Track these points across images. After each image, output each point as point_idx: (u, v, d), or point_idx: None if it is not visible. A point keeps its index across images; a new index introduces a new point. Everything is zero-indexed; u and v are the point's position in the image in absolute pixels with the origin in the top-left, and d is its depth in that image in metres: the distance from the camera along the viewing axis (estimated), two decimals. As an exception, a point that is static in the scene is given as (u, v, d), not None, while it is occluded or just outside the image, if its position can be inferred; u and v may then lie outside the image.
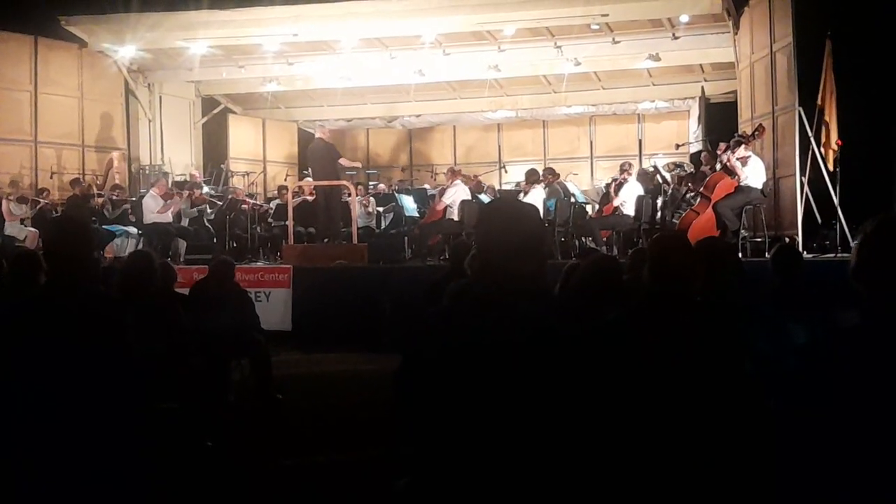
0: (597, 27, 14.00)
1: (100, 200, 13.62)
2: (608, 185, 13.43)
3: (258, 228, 14.36)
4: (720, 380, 3.00)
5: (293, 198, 13.72)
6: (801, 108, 11.59)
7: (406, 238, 13.73)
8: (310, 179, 14.43)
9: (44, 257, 3.47)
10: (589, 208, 13.80)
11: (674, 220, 11.81)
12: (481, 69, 15.72)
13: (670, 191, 12.81)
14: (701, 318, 3.16)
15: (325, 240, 13.30)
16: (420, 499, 2.36)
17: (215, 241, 14.01)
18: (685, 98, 17.16)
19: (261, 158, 18.77)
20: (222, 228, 14.07)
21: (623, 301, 3.65)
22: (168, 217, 13.17)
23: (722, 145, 12.03)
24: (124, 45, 14.98)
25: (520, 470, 2.23)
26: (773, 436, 2.86)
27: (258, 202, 15.34)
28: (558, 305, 2.66)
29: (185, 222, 13.72)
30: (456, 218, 12.49)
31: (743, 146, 10.97)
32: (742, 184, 10.80)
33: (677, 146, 15.33)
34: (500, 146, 19.15)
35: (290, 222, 12.95)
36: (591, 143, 18.55)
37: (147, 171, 16.12)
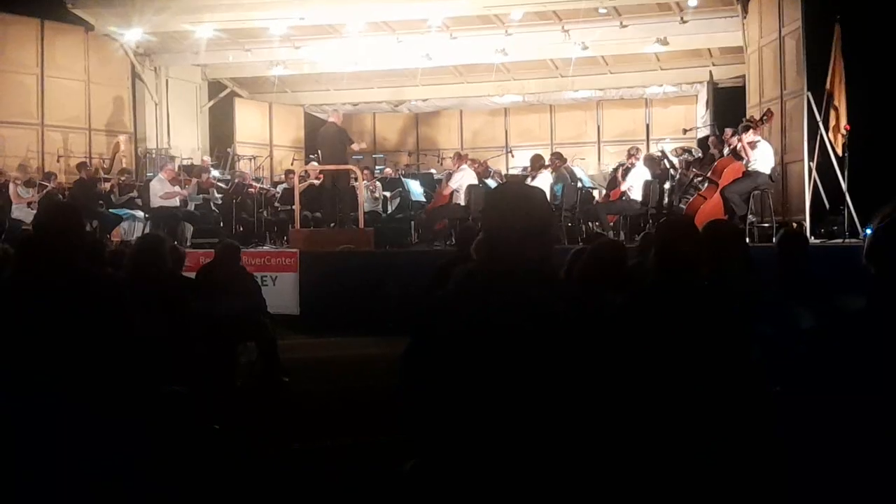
0: (604, 11, 13.94)
1: (107, 185, 13.63)
2: (615, 170, 13.41)
3: (265, 212, 14.38)
4: (725, 364, 3.01)
5: (300, 182, 13.71)
6: (809, 93, 11.53)
7: (412, 223, 13.73)
8: (315, 164, 14.42)
9: (31, 238, 3.49)
10: (596, 193, 13.78)
11: (681, 206, 11.78)
12: (488, 53, 15.65)
13: (678, 176, 12.77)
14: (707, 303, 3.16)
15: (332, 224, 13.30)
16: (426, 481, 2.37)
17: (222, 224, 14.03)
18: (693, 83, 17.08)
19: (267, 142, 18.76)
20: (229, 212, 14.09)
21: (627, 286, 3.65)
22: (175, 201, 13.18)
23: (728, 131, 11.98)
24: (131, 28, 14.98)
25: (525, 453, 2.23)
26: (773, 420, 2.87)
27: (265, 186, 15.35)
28: (565, 290, 2.66)
29: (191, 206, 13.73)
30: (462, 202, 12.47)
31: (751, 131, 10.93)
32: (750, 168, 10.76)
33: (685, 131, 15.31)
34: (507, 131, 19.10)
35: (296, 206, 12.95)
36: (599, 127, 18.51)
37: (153, 155, 16.15)
